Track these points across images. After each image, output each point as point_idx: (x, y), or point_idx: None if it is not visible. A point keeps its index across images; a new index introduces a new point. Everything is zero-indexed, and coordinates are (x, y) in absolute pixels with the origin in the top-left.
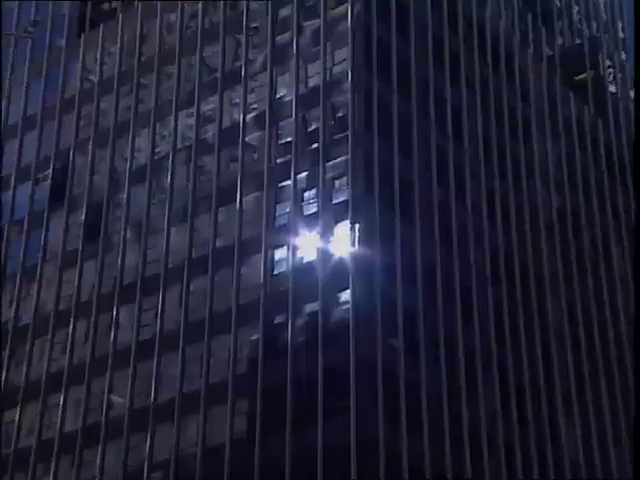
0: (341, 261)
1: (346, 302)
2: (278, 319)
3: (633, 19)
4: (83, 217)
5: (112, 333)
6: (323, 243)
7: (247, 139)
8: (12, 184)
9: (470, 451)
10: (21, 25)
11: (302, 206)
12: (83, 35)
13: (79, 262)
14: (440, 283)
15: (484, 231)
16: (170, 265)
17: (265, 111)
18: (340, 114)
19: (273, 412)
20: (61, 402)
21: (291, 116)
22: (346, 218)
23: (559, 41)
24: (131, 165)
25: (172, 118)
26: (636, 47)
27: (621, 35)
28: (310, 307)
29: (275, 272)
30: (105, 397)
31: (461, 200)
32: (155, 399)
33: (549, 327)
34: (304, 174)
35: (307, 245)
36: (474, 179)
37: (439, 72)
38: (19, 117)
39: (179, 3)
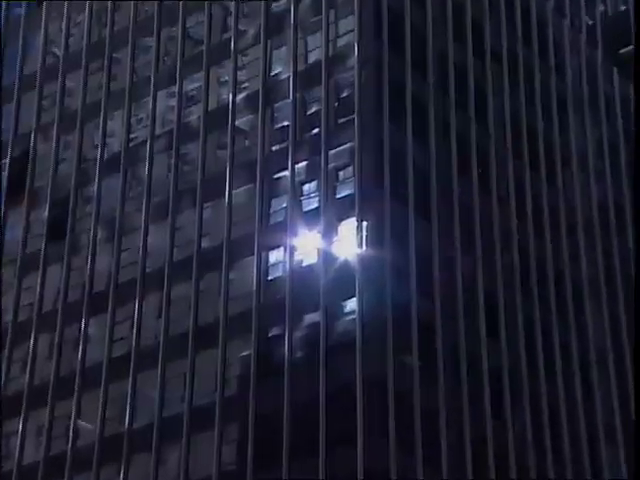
0: (346, 264)
1: (352, 312)
2: (273, 332)
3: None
4: (46, 213)
5: (80, 348)
6: (325, 244)
7: (237, 123)
8: None
9: None
10: None
11: (301, 201)
12: (45, 2)
13: (41, 266)
14: (461, 290)
15: (512, 230)
16: (148, 269)
17: (258, 91)
18: (345, 94)
19: (267, 440)
20: (20, 429)
21: (288, 96)
22: (352, 215)
23: (600, 8)
24: (102, 153)
25: (150, 99)
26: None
27: None
28: (310, 318)
29: (270, 277)
30: (71, 423)
31: (486, 194)
32: (130, 425)
33: (589, 344)
34: (303, 164)
35: (307, 246)
36: (501, 169)
37: (460, 45)
38: None
39: None
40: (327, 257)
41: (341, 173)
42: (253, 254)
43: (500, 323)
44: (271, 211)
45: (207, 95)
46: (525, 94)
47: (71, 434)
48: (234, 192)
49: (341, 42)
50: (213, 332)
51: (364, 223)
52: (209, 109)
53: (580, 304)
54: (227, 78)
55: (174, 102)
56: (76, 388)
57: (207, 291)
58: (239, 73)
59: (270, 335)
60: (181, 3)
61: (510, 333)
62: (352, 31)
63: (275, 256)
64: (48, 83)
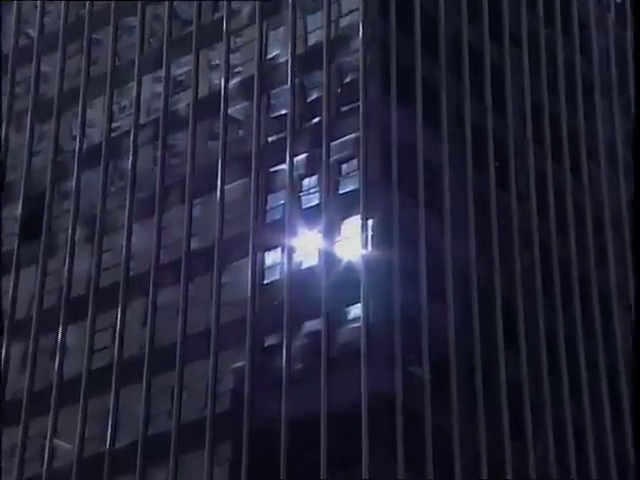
0: (350, 267)
1: (356, 319)
2: (270, 341)
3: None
4: (19, 211)
5: (57, 360)
6: (327, 244)
7: (230, 111)
8: None
9: None
10: None
11: (300, 197)
12: None
13: (14, 269)
14: (477, 296)
15: (533, 229)
16: (132, 272)
17: (253, 76)
18: (348, 79)
19: (263, 460)
20: None
21: (286, 82)
22: (356, 212)
23: None
24: (81, 144)
25: (134, 84)
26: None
27: None
28: (310, 325)
29: (266, 281)
30: (47, 442)
31: (504, 189)
32: (112, 444)
33: (618, 355)
34: (303, 156)
35: (307, 246)
36: (520, 162)
37: (475, 24)
38: None
39: None
40: (329, 259)
41: (344, 166)
42: (248, 255)
43: (520, 332)
44: (267, 208)
45: (197, 80)
46: (547, 79)
47: (47, 455)
48: (226, 187)
49: (344, 22)
50: (203, 342)
51: (369, 221)
52: (199, 96)
53: (608, 311)
54: (219, 62)
55: (160, 88)
56: (52, 404)
57: (197, 296)
58: (232, 56)
59: (266, 345)
60: None
61: (531, 343)
62: (356, 10)
63: (272, 258)
64: (21, 67)
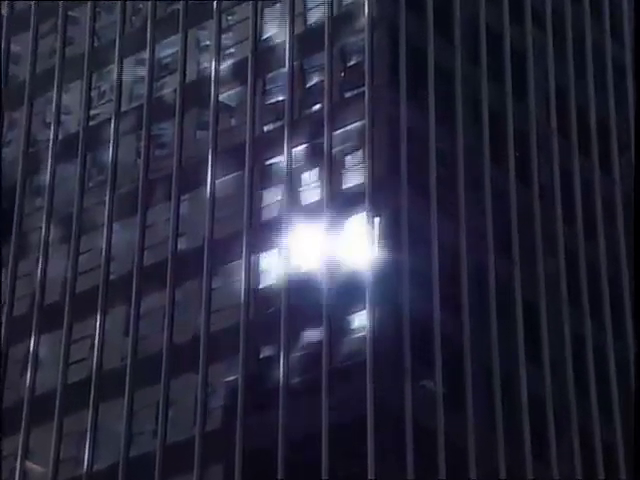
0: (354, 270)
1: (361, 328)
2: (266, 352)
3: None
4: None
5: (28, 373)
6: (329, 245)
7: (221, 98)
8: None
9: None
10: None
11: (299, 193)
12: None
13: None
14: (495, 302)
15: (557, 228)
16: (112, 276)
17: (247, 58)
18: (353, 62)
19: None
20: None
21: (284, 65)
22: (361, 210)
23: None
24: (56, 134)
25: (114, 67)
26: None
27: None
28: (310, 335)
29: (261, 286)
30: (18, 465)
31: (525, 185)
32: (90, 467)
33: None
34: (302, 147)
35: (306, 248)
36: (544, 154)
37: (494, 2)
38: None
39: None
40: (331, 261)
41: (348, 158)
42: (241, 257)
43: (543, 342)
44: (263, 205)
45: (184, 63)
46: (574, 63)
47: (17, 478)
48: (217, 182)
49: None
50: (192, 352)
51: (376, 219)
52: (187, 80)
53: None
54: (209, 43)
55: (144, 72)
56: (24, 422)
57: (185, 302)
58: (223, 37)
59: (261, 356)
60: None
61: (555, 354)
62: None
63: (267, 260)
64: None
